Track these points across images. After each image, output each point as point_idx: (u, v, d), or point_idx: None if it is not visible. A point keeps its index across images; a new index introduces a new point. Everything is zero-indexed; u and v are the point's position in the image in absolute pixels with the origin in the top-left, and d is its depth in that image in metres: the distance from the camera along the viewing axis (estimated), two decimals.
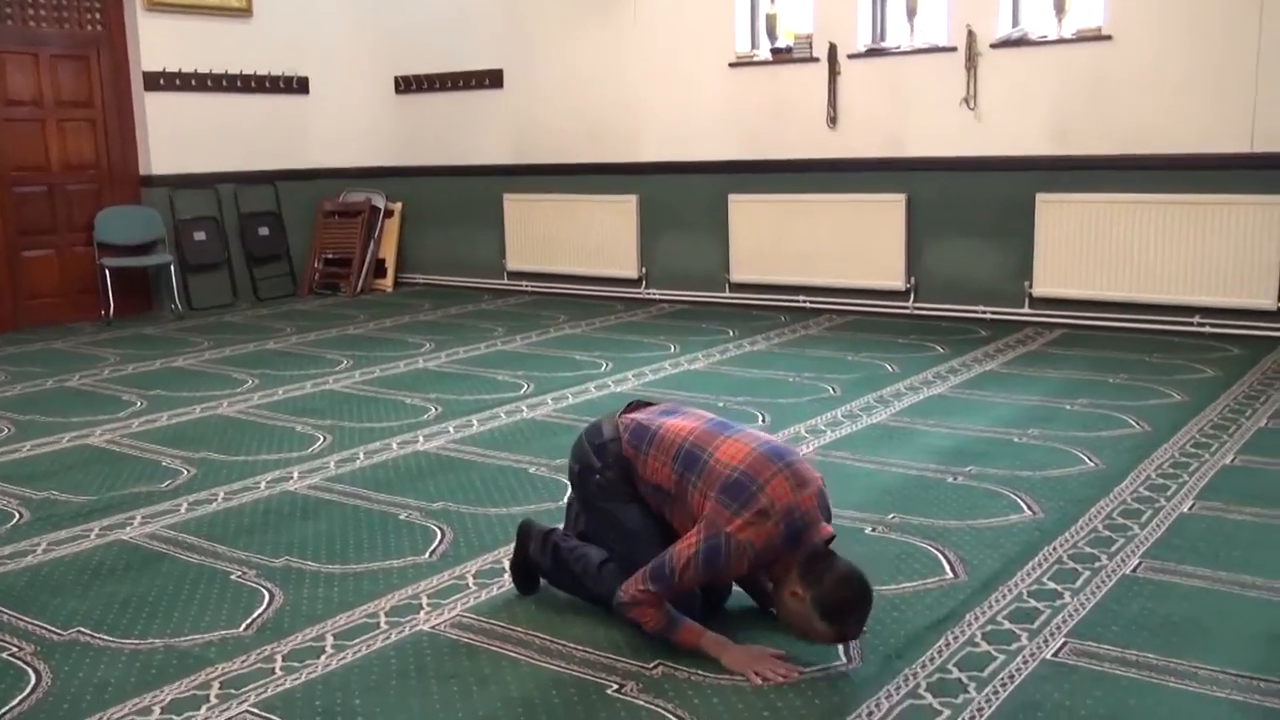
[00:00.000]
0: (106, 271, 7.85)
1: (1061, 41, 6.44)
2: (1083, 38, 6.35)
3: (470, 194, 8.85)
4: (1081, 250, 6.45)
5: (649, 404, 2.94)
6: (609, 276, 8.21)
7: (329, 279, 9.09)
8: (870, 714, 2.34)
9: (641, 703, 2.41)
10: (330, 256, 9.13)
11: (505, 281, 8.77)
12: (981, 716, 2.32)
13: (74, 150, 7.93)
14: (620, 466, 2.78)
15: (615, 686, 2.50)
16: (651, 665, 2.58)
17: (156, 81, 8.06)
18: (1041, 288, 6.61)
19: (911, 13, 6.87)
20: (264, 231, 8.84)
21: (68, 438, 4.74)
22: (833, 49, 7.08)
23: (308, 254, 9.14)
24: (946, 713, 2.34)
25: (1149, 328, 6.30)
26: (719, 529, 2.53)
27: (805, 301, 7.38)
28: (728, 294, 7.73)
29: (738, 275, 7.65)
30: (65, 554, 3.40)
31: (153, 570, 3.25)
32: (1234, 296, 6.09)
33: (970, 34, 6.60)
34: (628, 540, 2.76)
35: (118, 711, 2.43)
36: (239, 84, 8.52)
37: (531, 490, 3.88)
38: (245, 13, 8.50)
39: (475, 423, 4.82)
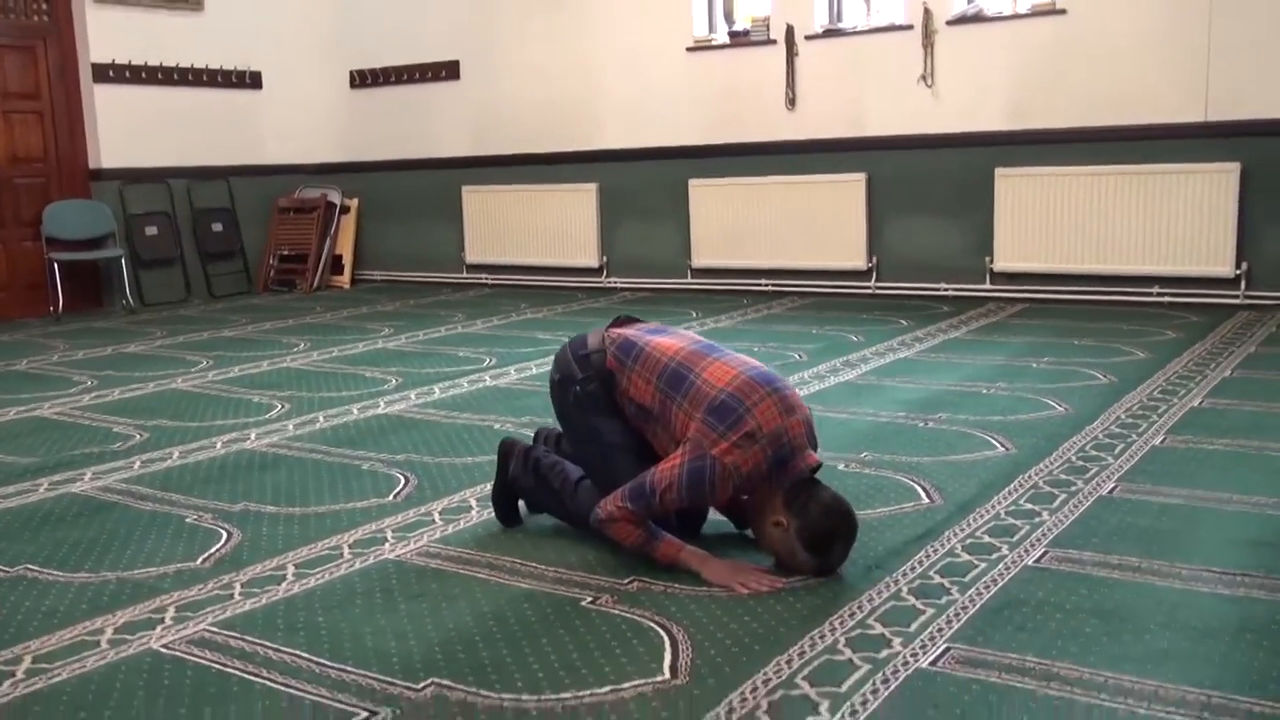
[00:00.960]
0: (55, 266, 7.67)
1: (1017, 16, 6.49)
2: (1038, 12, 6.40)
3: (428, 187, 8.76)
4: (1041, 224, 6.48)
5: (636, 320, 2.87)
6: (570, 266, 8.14)
7: (284, 275, 8.96)
8: (853, 614, 2.28)
9: (617, 613, 2.34)
10: (285, 253, 9.00)
11: (465, 275, 8.68)
12: (965, 614, 2.27)
13: (21, 143, 7.76)
14: (603, 379, 2.70)
15: (590, 599, 2.42)
16: (626, 580, 2.51)
17: (106, 74, 7.92)
18: (1002, 262, 6.63)
19: None
20: (217, 228, 8.70)
21: (14, 411, 4.59)
22: (790, 30, 7.09)
23: (262, 250, 9.00)
24: (930, 611, 2.28)
25: (1110, 299, 6.33)
26: (704, 451, 2.46)
27: (768, 285, 7.35)
28: (689, 279, 7.69)
29: (699, 260, 7.62)
30: (12, 505, 3.27)
31: (104, 516, 3.13)
32: (1192, 265, 6.13)
33: (926, 11, 6.63)
34: (605, 453, 2.69)
35: (68, 634, 2.32)
36: (190, 77, 8.39)
37: (493, 443, 3.78)
38: (196, 6, 8.38)
39: (437, 390, 4.73)
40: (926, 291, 6.88)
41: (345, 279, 9.04)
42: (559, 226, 8.13)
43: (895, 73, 6.79)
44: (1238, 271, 6.02)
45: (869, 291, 7.03)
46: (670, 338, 2.74)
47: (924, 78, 6.71)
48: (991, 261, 6.66)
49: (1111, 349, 5.05)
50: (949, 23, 6.62)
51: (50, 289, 7.70)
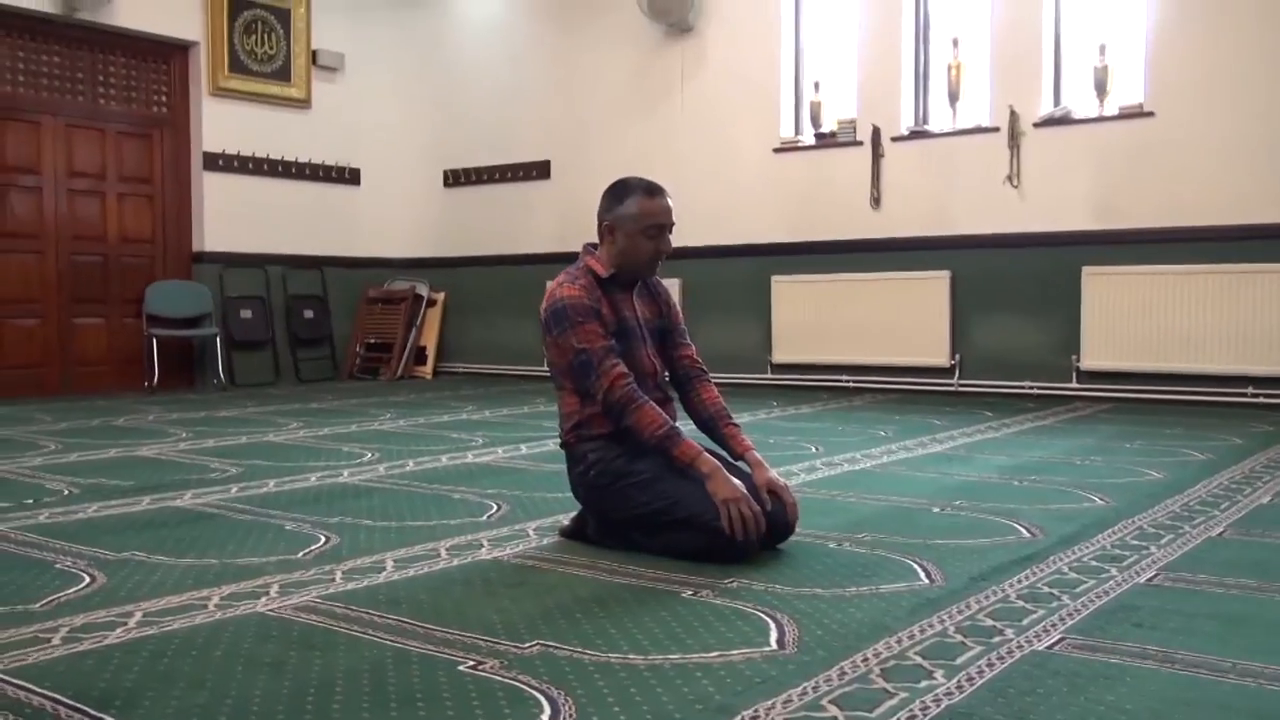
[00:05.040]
0: (154, 342, 7.93)
1: (1103, 119, 6.56)
2: (1125, 114, 6.47)
3: (514, 283, 8.96)
4: (1128, 323, 6.43)
5: None
6: None
7: (370, 363, 9.15)
8: (961, 611, 2.23)
9: (719, 603, 2.31)
10: (372, 341, 9.21)
11: (546, 369, 8.77)
12: (1080, 614, 2.21)
13: (131, 224, 8.13)
14: (579, 440, 2.81)
15: (690, 592, 2.39)
16: (727, 580, 2.48)
17: (215, 162, 8.31)
18: (1089, 361, 6.57)
19: (954, 96, 7.05)
20: (309, 314, 8.95)
21: (113, 451, 4.71)
22: (876, 132, 7.24)
23: (350, 339, 9.22)
24: (1041, 611, 2.23)
25: (1200, 399, 6.22)
26: (555, 300, 2.75)
27: (848, 380, 7.34)
28: (769, 374, 7.71)
29: (780, 356, 7.65)
30: (115, 513, 3.34)
31: (205, 523, 3.19)
32: None
33: (1013, 114, 6.75)
34: (657, 486, 2.69)
35: (176, 599, 2.35)
36: (294, 170, 8.77)
37: None
38: (304, 103, 8.80)
39: (524, 448, 4.78)
40: (1011, 388, 6.82)
41: (428, 369, 9.20)
42: None
43: (981, 173, 6.88)
44: None
45: (952, 389, 6.99)
46: None
47: (1010, 178, 6.79)
48: (1078, 360, 6.60)
49: (1204, 437, 4.95)
50: (1036, 125, 6.72)
51: (147, 364, 7.94)
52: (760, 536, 2.60)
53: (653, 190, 2.83)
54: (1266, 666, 1.88)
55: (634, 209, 2.80)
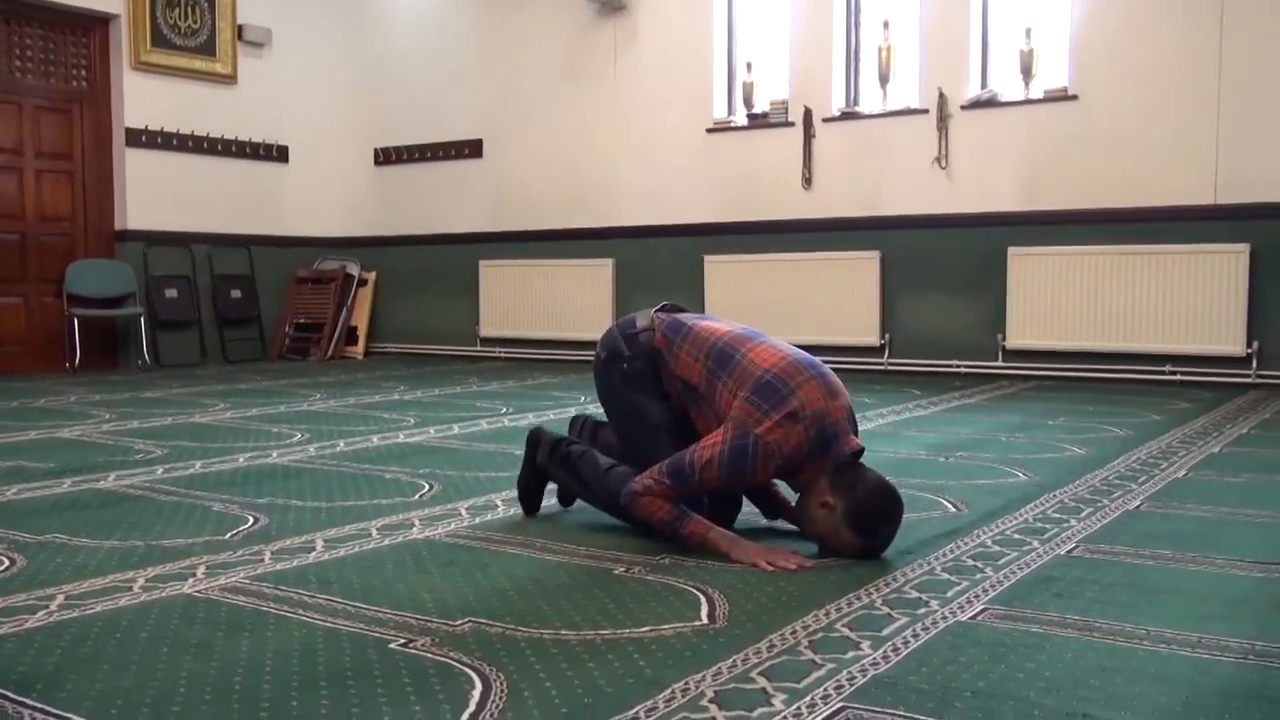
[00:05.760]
0: (75, 322, 7.75)
1: (1029, 102, 6.68)
2: (1050, 98, 6.59)
3: (446, 262, 8.90)
4: (1053, 302, 6.57)
5: (682, 309, 2.91)
6: (583, 340, 8.19)
7: (299, 344, 9.03)
8: (888, 584, 2.27)
9: (652, 579, 2.33)
10: (302, 321, 9.09)
11: (479, 348, 8.76)
12: (1001, 585, 2.26)
13: (50, 202, 7.92)
14: (649, 357, 2.73)
15: (622, 569, 2.41)
16: (659, 556, 2.50)
17: (139, 139, 8.12)
18: (1014, 340, 6.70)
19: (884, 78, 7.12)
20: (236, 294, 8.81)
21: (34, 432, 4.60)
22: (808, 113, 7.29)
23: (279, 319, 9.09)
24: (965, 583, 2.28)
25: (1122, 377, 6.38)
26: (748, 429, 2.47)
27: None
28: None
29: None
30: (36, 495, 3.27)
31: (129, 505, 3.13)
32: (1204, 344, 6.19)
33: (942, 96, 6.83)
34: (647, 431, 2.70)
35: (100, 581, 2.31)
36: (220, 148, 8.60)
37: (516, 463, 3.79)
38: (230, 79, 8.63)
39: (456, 428, 4.75)
40: (939, 367, 6.93)
41: (359, 349, 9.11)
42: (574, 301, 8.23)
43: (910, 155, 6.96)
44: (1249, 350, 6.08)
45: (881, 368, 7.09)
46: (718, 323, 2.78)
47: (938, 160, 6.88)
48: (1004, 339, 6.73)
49: (1127, 413, 5.08)
50: (963, 107, 6.82)
51: (68, 345, 7.76)
52: (800, 566, 2.43)
53: (878, 548, 2.49)
54: (1179, 633, 1.94)
55: (855, 543, 2.46)
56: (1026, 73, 6.66)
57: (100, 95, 8.06)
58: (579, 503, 2.95)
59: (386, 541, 2.68)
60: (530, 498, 2.93)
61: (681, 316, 2.80)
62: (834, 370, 2.68)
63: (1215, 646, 1.87)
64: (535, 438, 2.94)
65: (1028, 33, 6.66)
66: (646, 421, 2.72)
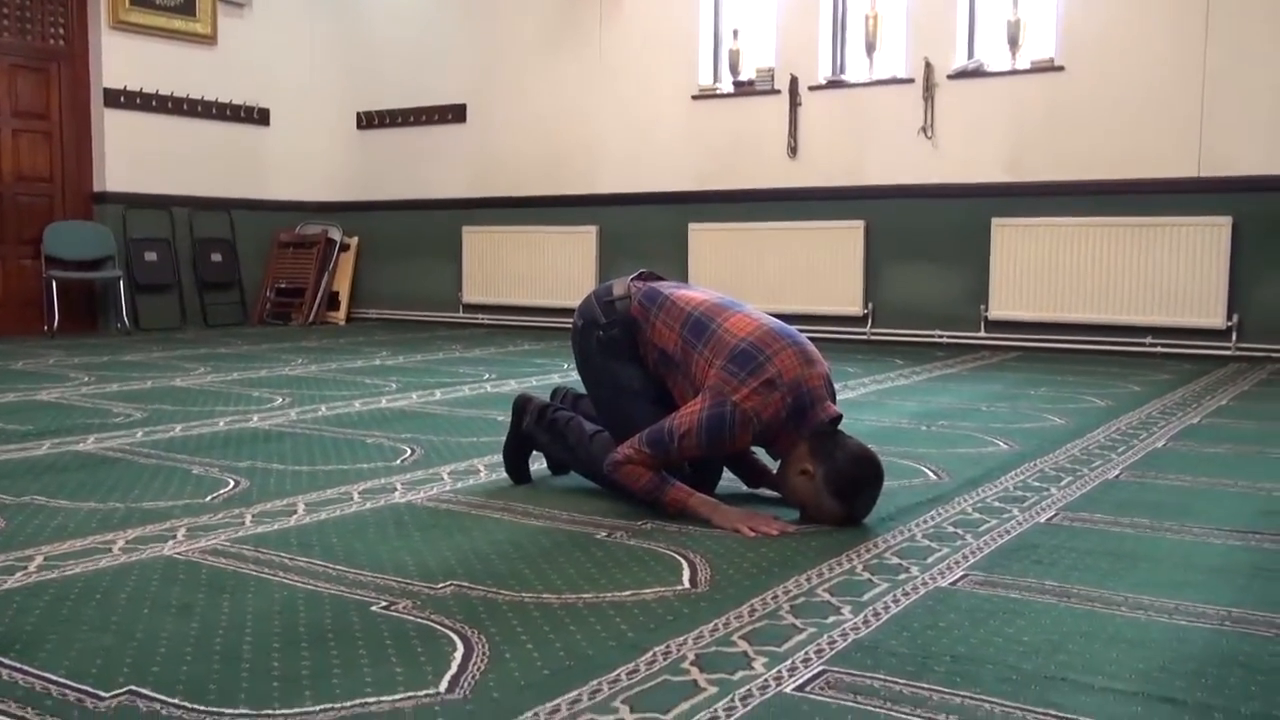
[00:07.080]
0: (54, 285, 7.68)
1: (1015, 72, 6.66)
2: (1036, 68, 6.57)
3: (428, 228, 8.85)
4: (1036, 273, 6.58)
5: (659, 276, 2.90)
6: (567, 308, 8.14)
7: (280, 309, 8.98)
8: (869, 550, 2.29)
9: (634, 544, 2.33)
10: (283, 286, 9.04)
11: (461, 314, 8.72)
12: (980, 552, 2.28)
13: (28, 162, 7.83)
14: (626, 325, 2.72)
15: (604, 534, 2.42)
16: (640, 522, 2.51)
17: (117, 99, 8.02)
18: (997, 311, 6.71)
19: (871, 47, 7.09)
20: (217, 258, 8.74)
21: (12, 395, 4.57)
22: (794, 81, 7.26)
23: (260, 284, 9.03)
24: (945, 550, 2.29)
25: (1104, 348, 6.41)
26: (725, 397, 2.47)
27: None
28: None
29: None
30: (14, 458, 3.25)
31: (109, 468, 3.11)
32: (1185, 316, 6.22)
33: (928, 66, 6.81)
34: (624, 399, 2.70)
35: (79, 543, 2.30)
36: (200, 109, 8.50)
37: (498, 428, 3.79)
38: (210, 39, 8.52)
39: (438, 393, 4.74)
40: (921, 337, 6.95)
41: (340, 315, 9.06)
42: (558, 268, 8.21)
43: (895, 124, 6.95)
44: (1229, 323, 6.11)
45: (864, 337, 7.10)
46: (694, 291, 2.77)
47: (924, 129, 6.86)
48: (986, 310, 6.74)
49: (1107, 383, 5.11)
50: (950, 77, 6.79)
51: (46, 308, 7.69)
52: (782, 530, 2.44)
53: (859, 514, 2.49)
54: (1155, 600, 1.96)
55: (837, 509, 2.45)
56: (1013, 43, 6.64)
57: (78, 54, 7.96)
58: (569, 472, 2.95)
59: (368, 505, 2.67)
60: (516, 465, 2.93)
61: (658, 285, 2.79)
62: (817, 339, 2.70)
63: (1192, 613, 1.89)
64: (521, 404, 2.93)
65: (1015, 3, 6.63)
66: (622, 388, 2.72)
